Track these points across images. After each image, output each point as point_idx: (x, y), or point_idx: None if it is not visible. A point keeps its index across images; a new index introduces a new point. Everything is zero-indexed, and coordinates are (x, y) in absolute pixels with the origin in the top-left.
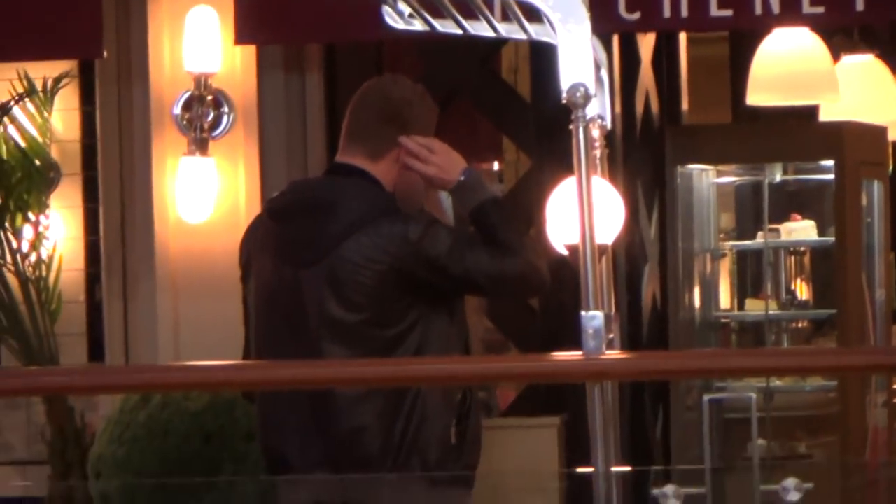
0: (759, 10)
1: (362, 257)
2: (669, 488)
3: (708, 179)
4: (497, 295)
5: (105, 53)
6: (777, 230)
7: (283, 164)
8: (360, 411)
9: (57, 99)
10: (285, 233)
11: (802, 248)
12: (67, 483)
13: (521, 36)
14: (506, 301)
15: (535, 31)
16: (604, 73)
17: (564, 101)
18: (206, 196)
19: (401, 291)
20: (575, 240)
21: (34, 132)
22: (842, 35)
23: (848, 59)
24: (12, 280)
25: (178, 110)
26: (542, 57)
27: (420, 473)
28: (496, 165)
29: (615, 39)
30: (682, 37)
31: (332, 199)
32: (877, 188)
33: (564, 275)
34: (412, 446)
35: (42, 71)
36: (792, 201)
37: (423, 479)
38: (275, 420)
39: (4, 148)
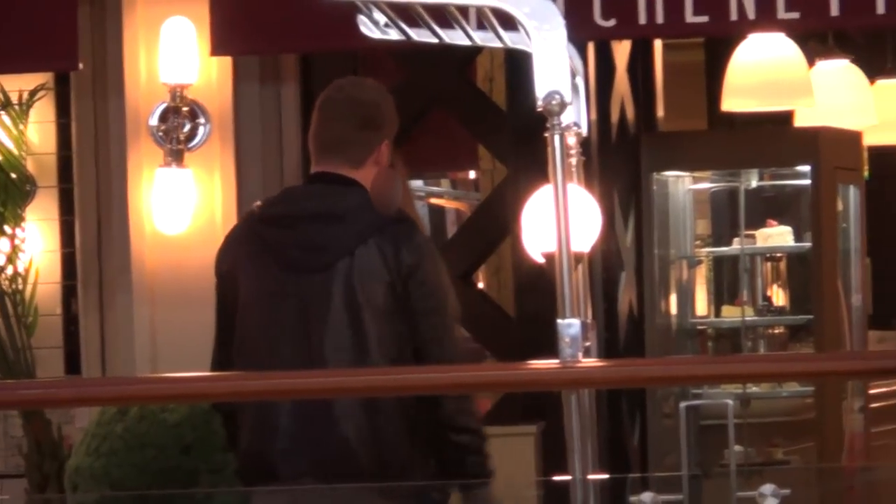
0: (734, 15)
1: (373, 266)
2: (647, 496)
3: (684, 186)
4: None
5: (80, 66)
6: (753, 236)
7: (259, 175)
8: (349, 423)
9: (32, 111)
10: (287, 239)
11: (779, 254)
12: (44, 496)
13: (497, 44)
14: (482, 310)
15: (511, 39)
16: (579, 81)
17: (540, 109)
18: (182, 207)
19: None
20: (551, 248)
21: (10, 145)
22: (817, 40)
23: (823, 65)
24: None
25: (154, 122)
26: (518, 65)
27: (400, 484)
28: (472, 174)
29: (590, 46)
30: (658, 43)
31: (338, 207)
32: (853, 193)
33: (541, 283)
34: (395, 463)
35: (17, 84)
36: (768, 207)
37: (403, 490)
38: (263, 429)
39: None
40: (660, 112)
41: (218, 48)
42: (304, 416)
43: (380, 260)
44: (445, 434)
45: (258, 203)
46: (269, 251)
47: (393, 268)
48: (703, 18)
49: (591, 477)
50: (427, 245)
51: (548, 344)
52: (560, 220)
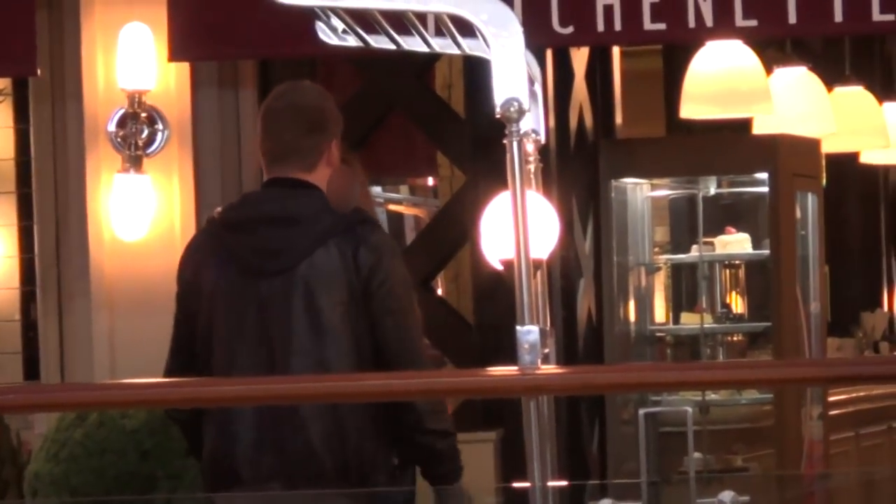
0: (692, 23)
1: (332, 267)
2: (606, 502)
3: (642, 193)
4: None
5: (39, 71)
6: (712, 243)
7: (217, 181)
8: (313, 428)
9: None
10: (246, 244)
11: (737, 262)
12: (3, 502)
13: (455, 51)
14: (441, 316)
15: (469, 46)
16: (538, 88)
17: (498, 116)
18: (141, 213)
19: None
20: (509, 254)
21: None
22: (774, 48)
23: (781, 72)
24: None
25: (112, 128)
26: (476, 72)
27: (364, 490)
28: (431, 180)
29: (549, 53)
30: (616, 50)
31: (296, 210)
32: (811, 201)
33: (499, 290)
34: (360, 465)
35: None
36: (726, 214)
37: (367, 497)
38: (226, 432)
39: None
40: (618, 119)
41: (176, 54)
42: (267, 419)
43: (339, 261)
44: (416, 437)
45: (219, 210)
46: (230, 257)
47: (352, 268)
48: (661, 26)
49: (550, 484)
50: (387, 245)
51: (507, 351)
52: (518, 227)
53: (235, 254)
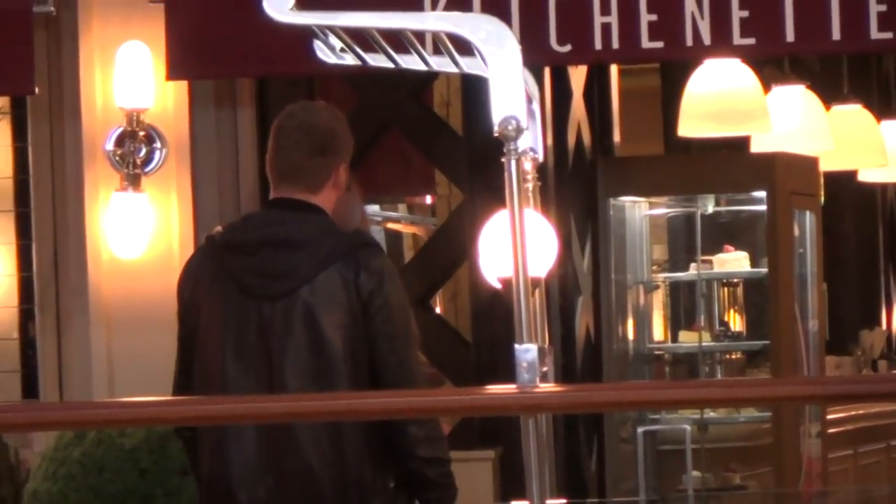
0: (690, 41)
1: (334, 291)
2: None
3: (640, 211)
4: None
5: (37, 90)
6: (710, 261)
7: (215, 199)
8: (310, 451)
9: None
10: (247, 266)
11: (735, 280)
12: None
13: (453, 69)
14: (439, 335)
15: (467, 64)
16: (535, 106)
17: (496, 134)
18: (139, 232)
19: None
20: (508, 273)
21: None
22: (772, 66)
23: (779, 90)
24: None
25: (110, 146)
26: (474, 90)
27: None
28: (428, 199)
29: (546, 72)
30: (614, 69)
31: (298, 233)
32: (809, 219)
33: (497, 308)
34: (358, 488)
35: None
36: (724, 232)
37: None
38: (223, 454)
39: None
40: (616, 137)
41: (174, 73)
42: (264, 442)
43: (340, 285)
44: (408, 464)
45: (218, 228)
46: (231, 278)
47: (353, 292)
48: (659, 44)
49: (548, 502)
50: (387, 269)
51: (505, 369)
52: (517, 246)
53: (236, 276)
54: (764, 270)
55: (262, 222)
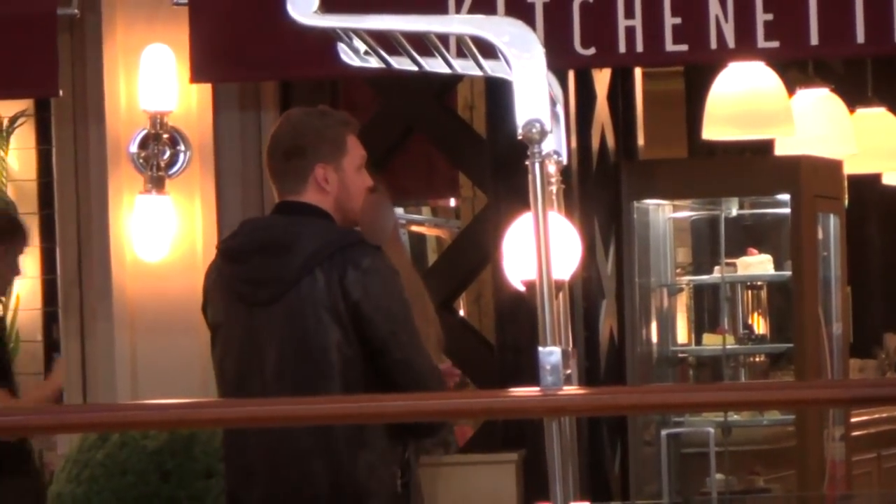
0: (714, 44)
1: (318, 295)
2: None
3: (664, 214)
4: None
5: (61, 92)
6: (734, 265)
7: (239, 202)
8: (313, 456)
9: (13, 138)
10: (241, 273)
11: (759, 283)
12: None
13: (477, 72)
14: (463, 337)
15: (491, 67)
16: (559, 109)
17: (520, 137)
18: (162, 234)
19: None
20: (532, 276)
21: None
22: (796, 69)
23: (803, 93)
24: None
25: (134, 148)
26: (498, 93)
27: None
28: (452, 202)
29: (571, 75)
30: (638, 72)
31: (286, 238)
32: (833, 222)
33: (521, 311)
34: (362, 493)
35: None
36: (748, 236)
37: None
38: (233, 460)
39: None
40: (640, 140)
41: (198, 75)
42: (276, 456)
43: (324, 289)
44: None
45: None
46: (226, 285)
47: (338, 294)
48: (683, 47)
49: None
50: (378, 267)
51: (528, 371)
52: (540, 248)
53: (230, 283)
54: (788, 273)
55: (255, 227)
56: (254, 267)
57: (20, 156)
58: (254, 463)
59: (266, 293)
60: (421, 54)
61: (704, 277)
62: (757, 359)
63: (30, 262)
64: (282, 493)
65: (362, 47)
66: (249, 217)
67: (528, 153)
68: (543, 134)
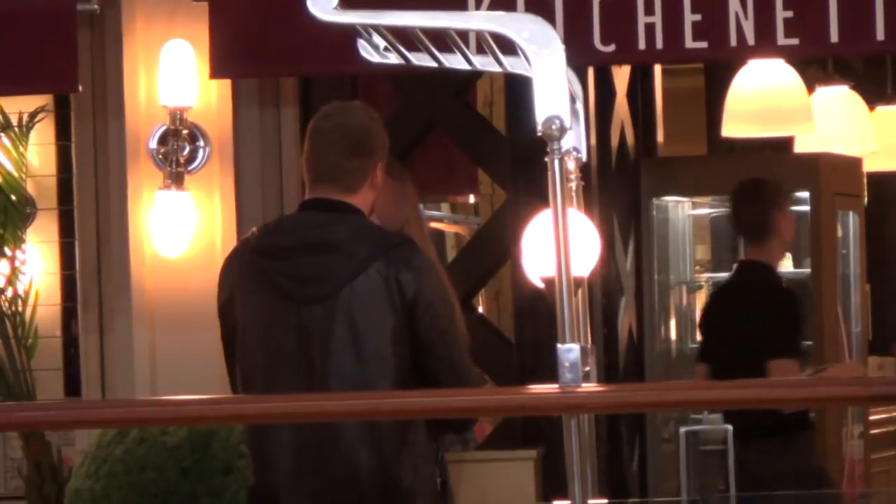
0: (734, 41)
1: (375, 292)
2: None
3: (683, 211)
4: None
5: (80, 88)
6: None
7: (258, 198)
8: (357, 453)
9: (33, 134)
10: (284, 270)
11: None
12: None
13: (496, 68)
14: (482, 334)
15: (510, 64)
16: (579, 106)
17: (540, 134)
18: (182, 230)
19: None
20: (551, 272)
21: (10, 167)
22: (816, 67)
23: (823, 91)
24: None
25: (153, 144)
26: (518, 89)
27: None
28: (472, 198)
29: (590, 71)
30: (657, 69)
31: (333, 236)
32: (852, 219)
33: (540, 308)
34: (407, 490)
35: (17, 105)
36: None
37: None
38: (267, 458)
39: None
40: (659, 137)
41: (217, 71)
42: (307, 445)
43: (382, 286)
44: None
45: (254, 230)
46: (268, 282)
47: (395, 292)
48: (703, 44)
49: (590, 502)
50: (427, 265)
51: (547, 368)
52: (560, 245)
53: (274, 280)
54: (807, 271)
55: (298, 225)
56: (301, 264)
57: (40, 151)
58: (296, 462)
59: (315, 290)
60: (440, 51)
61: (724, 275)
62: None
63: (48, 257)
64: (326, 492)
65: (382, 43)
66: (285, 215)
67: (548, 150)
68: (563, 131)
